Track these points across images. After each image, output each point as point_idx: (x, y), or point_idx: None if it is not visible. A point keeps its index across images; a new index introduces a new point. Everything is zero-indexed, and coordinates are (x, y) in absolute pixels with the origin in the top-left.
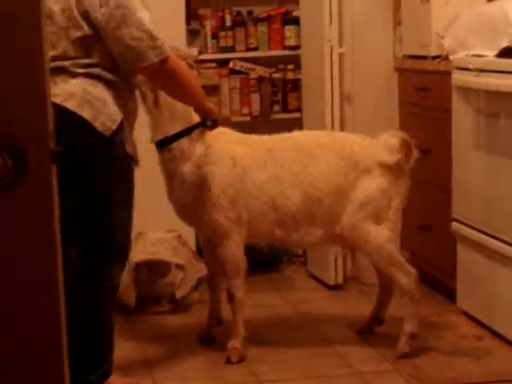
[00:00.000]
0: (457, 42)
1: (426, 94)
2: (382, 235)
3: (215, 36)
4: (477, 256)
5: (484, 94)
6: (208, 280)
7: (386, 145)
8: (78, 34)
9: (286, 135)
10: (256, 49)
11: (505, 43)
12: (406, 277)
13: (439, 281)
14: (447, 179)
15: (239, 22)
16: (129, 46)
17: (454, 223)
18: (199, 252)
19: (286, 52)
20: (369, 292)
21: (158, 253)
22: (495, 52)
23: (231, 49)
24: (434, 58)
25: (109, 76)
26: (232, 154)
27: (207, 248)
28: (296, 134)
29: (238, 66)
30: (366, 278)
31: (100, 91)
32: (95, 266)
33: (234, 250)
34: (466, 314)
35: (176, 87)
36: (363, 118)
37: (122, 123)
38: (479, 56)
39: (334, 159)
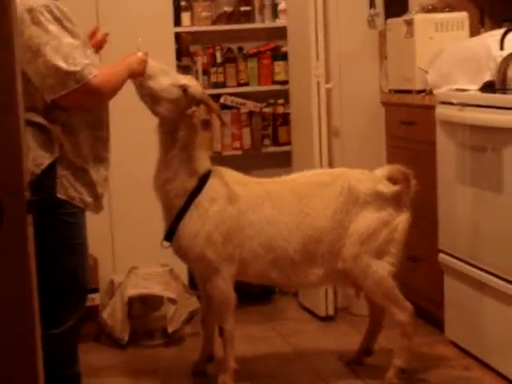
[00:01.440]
0: (440, 77)
1: (411, 127)
2: (383, 269)
3: (206, 72)
4: (464, 287)
5: (467, 127)
6: (202, 315)
7: (384, 177)
8: None
9: (285, 178)
10: (246, 84)
11: (487, 77)
12: (401, 312)
13: (428, 311)
14: (434, 211)
15: (230, 58)
16: (46, 75)
17: (441, 254)
18: (191, 286)
19: (276, 87)
20: (359, 323)
21: (150, 287)
22: (478, 86)
23: (222, 84)
24: (419, 92)
25: (37, 119)
26: (229, 193)
27: (202, 283)
28: (295, 175)
29: (229, 100)
30: (357, 309)
31: (26, 137)
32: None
33: (223, 285)
34: (454, 343)
35: (115, 91)
36: (351, 151)
37: (51, 168)
38: (462, 90)
39: (333, 196)
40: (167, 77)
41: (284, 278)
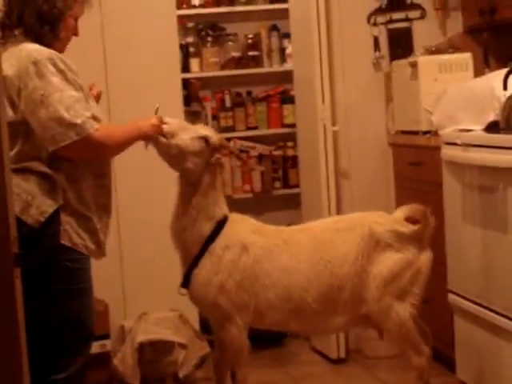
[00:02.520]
0: (445, 117)
1: (418, 168)
2: (405, 311)
3: (216, 117)
4: (474, 327)
5: (473, 168)
6: (214, 360)
7: (403, 218)
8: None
9: (303, 225)
10: (256, 128)
11: (492, 117)
12: (418, 356)
13: (438, 351)
14: (442, 251)
15: (239, 103)
16: (48, 126)
17: (450, 295)
18: (202, 330)
19: (285, 130)
20: (372, 365)
21: (161, 332)
22: (482, 126)
23: (231, 128)
24: (425, 133)
25: (41, 168)
26: (244, 242)
27: (215, 328)
28: (313, 223)
29: (239, 144)
30: (370, 351)
31: (30, 184)
32: (41, 360)
33: (236, 333)
34: None
35: (118, 148)
36: (360, 192)
37: (55, 215)
38: (467, 130)
39: (354, 241)
40: (187, 131)
41: (304, 327)
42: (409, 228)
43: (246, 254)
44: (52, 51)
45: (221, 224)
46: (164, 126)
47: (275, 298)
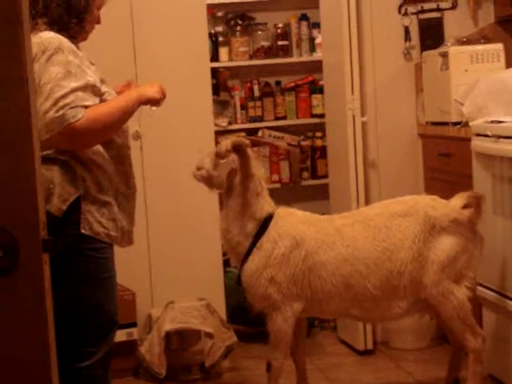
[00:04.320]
0: (476, 109)
1: (448, 159)
2: (462, 294)
3: (244, 106)
4: (503, 320)
5: (503, 159)
6: (291, 349)
7: (458, 203)
8: None
9: (354, 211)
10: (284, 118)
11: None
12: (475, 338)
13: None
14: None
15: (267, 92)
16: (40, 116)
17: (479, 287)
18: (229, 320)
19: (314, 120)
20: (399, 357)
21: (188, 321)
22: None
23: (260, 118)
24: (455, 124)
25: (61, 156)
26: (294, 234)
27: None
28: (364, 208)
29: (267, 134)
30: (397, 343)
31: (53, 173)
32: (64, 348)
33: (282, 323)
34: (492, 377)
35: (109, 128)
36: (388, 183)
37: (77, 203)
38: (498, 122)
39: (410, 226)
40: (208, 156)
41: (366, 313)
42: (463, 214)
43: (297, 247)
44: (64, 41)
45: (266, 221)
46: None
47: (333, 287)
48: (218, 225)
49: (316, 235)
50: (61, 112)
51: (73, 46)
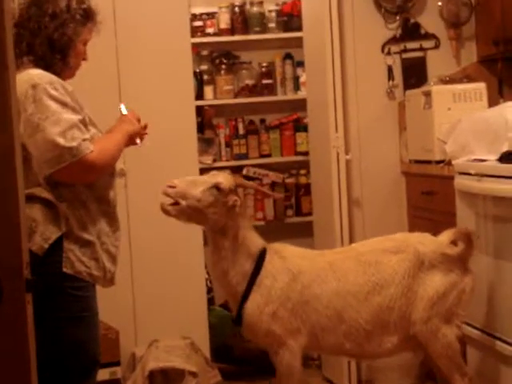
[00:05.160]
0: (459, 147)
1: (432, 197)
2: (451, 333)
3: (229, 144)
4: (487, 358)
5: (486, 198)
6: None
7: (447, 242)
8: None
9: (346, 247)
10: (269, 155)
11: (505, 148)
12: (461, 377)
13: None
14: None
15: (252, 130)
16: (44, 149)
17: (463, 326)
18: (213, 359)
19: (299, 157)
20: None
21: (172, 360)
22: (496, 156)
23: (245, 156)
24: (438, 162)
25: (44, 194)
26: (291, 267)
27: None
28: (356, 244)
29: (252, 172)
30: (381, 380)
31: (36, 211)
32: None
33: (290, 359)
34: None
35: (115, 159)
36: (372, 221)
37: (59, 242)
38: (480, 160)
39: (400, 262)
40: (196, 185)
41: (358, 348)
42: (453, 250)
43: (294, 280)
44: (53, 77)
45: (261, 257)
46: (171, 191)
47: (328, 321)
48: (203, 263)
49: (310, 268)
50: (74, 143)
51: (63, 82)
